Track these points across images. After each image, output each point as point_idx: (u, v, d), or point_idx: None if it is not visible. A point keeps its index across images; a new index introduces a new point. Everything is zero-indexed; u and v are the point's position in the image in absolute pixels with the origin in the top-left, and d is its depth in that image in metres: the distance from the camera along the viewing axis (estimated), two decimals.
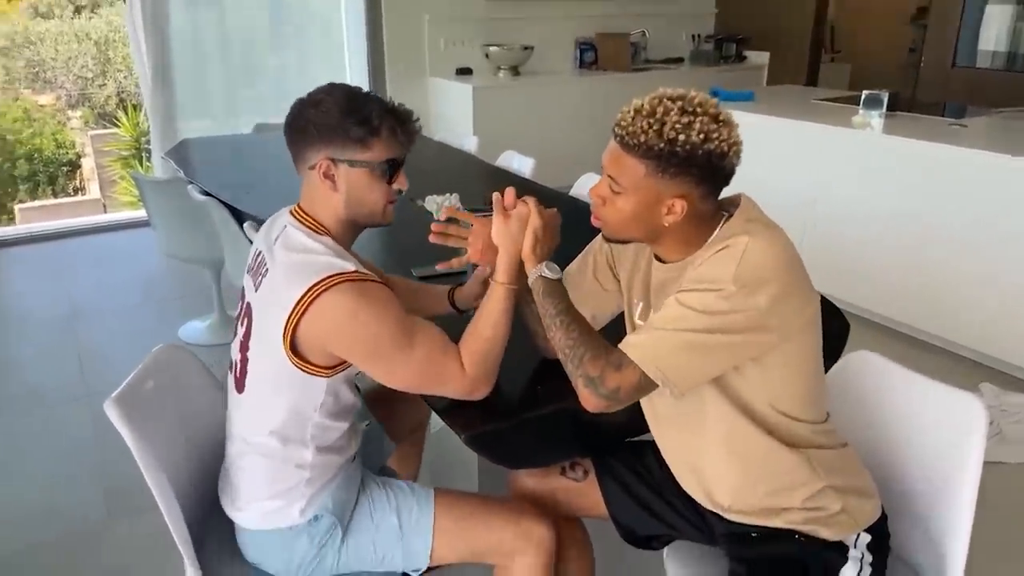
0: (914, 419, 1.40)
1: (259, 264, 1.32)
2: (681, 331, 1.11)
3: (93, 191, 7.28)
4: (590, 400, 1.15)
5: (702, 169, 1.12)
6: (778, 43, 6.60)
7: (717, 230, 1.19)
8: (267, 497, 1.33)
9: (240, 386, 1.34)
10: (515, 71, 5.58)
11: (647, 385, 1.13)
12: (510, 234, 1.30)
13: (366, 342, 1.23)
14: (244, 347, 1.32)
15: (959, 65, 5.17)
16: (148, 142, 5.07)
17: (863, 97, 3.61)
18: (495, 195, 1.33)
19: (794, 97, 4.50)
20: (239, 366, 1.34)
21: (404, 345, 1.24)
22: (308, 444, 1.31)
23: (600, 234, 1.43)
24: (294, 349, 1.23)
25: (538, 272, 1.27)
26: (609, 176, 1.18)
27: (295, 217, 1.33)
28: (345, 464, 1.39)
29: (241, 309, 1.37)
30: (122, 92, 7.30)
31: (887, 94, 3.56)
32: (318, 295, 1.19)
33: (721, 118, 1.12)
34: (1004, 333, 3.01)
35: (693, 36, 6.54)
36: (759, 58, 6.35)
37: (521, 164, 3.31)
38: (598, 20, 6.04)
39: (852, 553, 1.25)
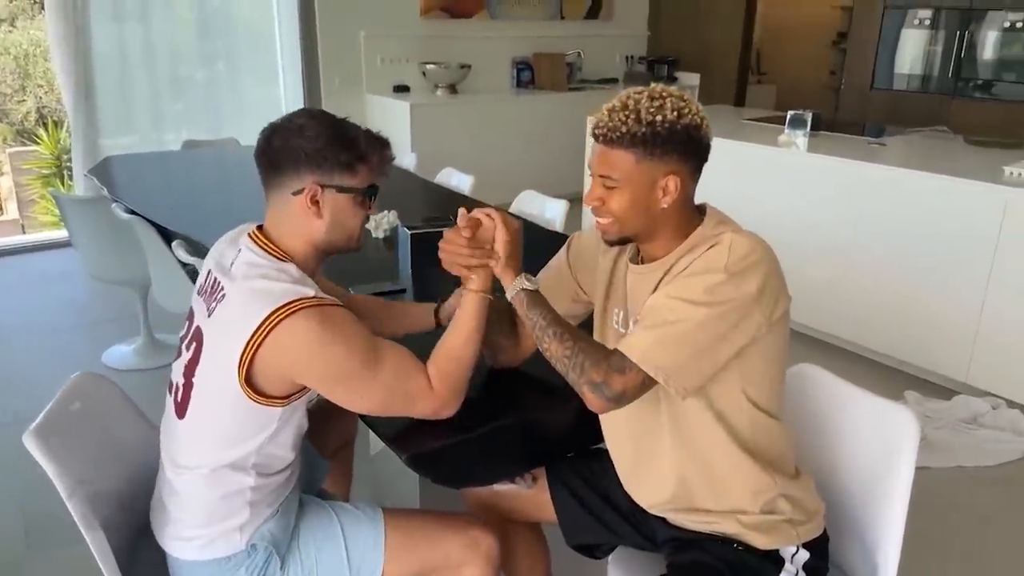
0: (850, 430, 1.44)
1: (213, 288, 1.26)
2: (678, 328, 1.13)
3: (11, 211, 6.95)
4: (596, 403, 1.17)
5: (684, 144, 1.18)
6: (708, 65, 6.81)
7: (694, 232, 1.23)
8: (204, 525, 1.28)
9: (181, 412, 1.28)
10: (453, 89, 5.59)
11: (650, 383, 1.15)
12: (481, 256, 1.32)
13: (330, 368, 1.20)
14: (189, 372, 1.26)
15: (877, 87, 5.42)
16: (70, 160, 4.88)
17: (788, 117, 3.74)
18: (462, 211, 1.33)
19: (724, 117, 4.63)
20: (181, 391, 1.28)
21: (370, 368, 1.21)
22: (250, 472, 1.27)
23: (563, 248, 1.45)
24: (249, 380, 1.18)
25: (518, 286, 1.27)
26: (600, 176, 1.21)
27: (254, 242, 1.28)
28: (285, 489, 1.34)
29: (188, 331, 1.31)
30: (43, 108, 7.01)
31: (811, 114, 3.69)
32: (277, 323, 1.15)
33: (686, 96, 1.19)
34: (924, 341, 3.15)
35: (627, 57, 6.68)
36: (690, 79, 6.52)
37: (460, 181, 3.31)
38: (534, 40, 6.11)
39: (788, 567, 1.27)
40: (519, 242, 1.33)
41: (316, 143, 1.24)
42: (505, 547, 1.55)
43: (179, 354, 1.32)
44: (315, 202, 1.25)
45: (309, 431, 1.59)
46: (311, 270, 1.29)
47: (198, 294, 1.32)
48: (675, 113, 1.16)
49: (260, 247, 1.27)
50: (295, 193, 1.25)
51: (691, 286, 1.14)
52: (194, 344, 1.27)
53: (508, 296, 1.29)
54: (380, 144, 1.30)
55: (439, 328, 1.48)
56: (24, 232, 6.38)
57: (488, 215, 1.32)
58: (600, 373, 1.15)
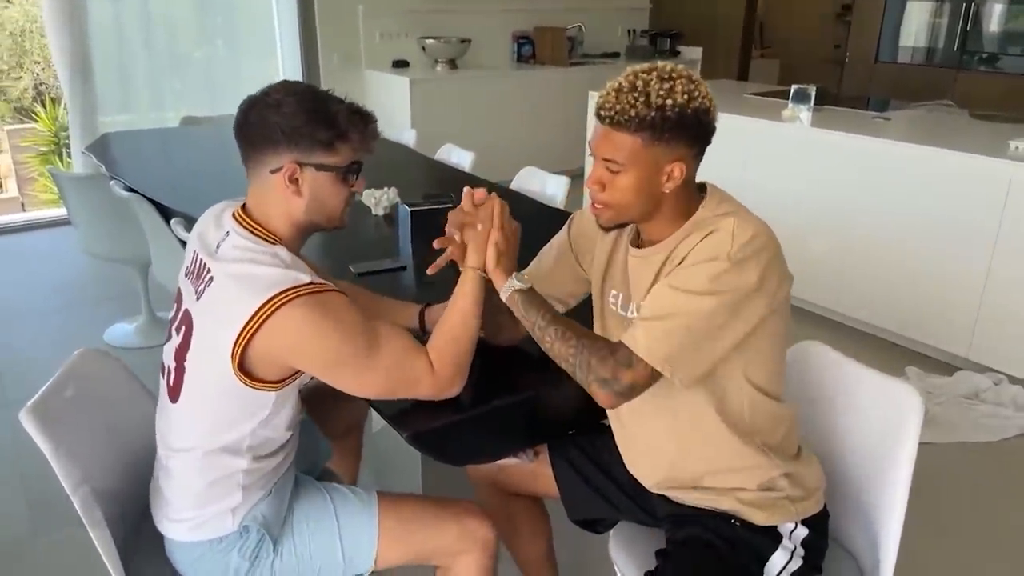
0: (853, 407, 1.44)
1: (200, 270, 1.24)
2: (682, 320, 1.11)
3: (10, 189, 6.93)
4: (607, 399, 1.16)
5: (694, 128, 1.14)
6: (710, 39, 6.74)
7: (696, 214, 1.21)
8: (195, 507, 1.28)
9: (174, 395, 1.27)
10: (453, 64, 5.53)
11: (658, 375, 1.14)
12: (478, 231, 1.30)
13: (329, 355, 1.18)
14: (180, 356, 1.25)
15: (882, 60, 5.37)
16: (68, 137, 4.85)
17: (792, 92, 3.70)
18: (466, 189, 1.31)
19: (727, 91, 4.58)
20: (173, 374, 1.27)
21: (369, 354, 1.20)
22: (244, 454, 1.26)
23: (563, 229, 1.43)
24: (242, 366, 1.17)
25: (511, 286, 1.26)
26: (604, 159, 1.17)
27: (240, 223, 1.25)
28: (278, 471, 1.34)
29: (178, 314, 1.29)
30: (40, 85, 6.95)
31: (815, 89, 3.66)
32: (274, 310, 1.13)
33: (695, 78, 1.15)
34: (926, 317, 3.14)
35: (628, 31, 6.61)
36: (692, 53, 6.45)
37: (460, 158, 3.28)
38: (534, 14, 6.04)
39: (785, 543, 1.28)
40: (515, 243, 1.32)
41: (293, 121, 1.19)
42: (507, 521, 1.56)
43: (169, 336, 1.31)
44: (294, 180, 1.22)
45: (317, 413, 1.59)
46: (296, 249, 1.27)
47: (185, 276, 1.30)
48: (685, 96, 1.11)
49: (247, 229, 1.24)
50: (273, 171, 1.22)
51: (694, 276, 1.12)
52: (184, 328, 1.25)
53: (502, 297, 1.27)
54: (363, 119, 1.26)
55: (425, 332, 1.44)
56: (24, 210, 6.37)
57: (491, 202, 1.30)
58: (608, 369, 1.14)
